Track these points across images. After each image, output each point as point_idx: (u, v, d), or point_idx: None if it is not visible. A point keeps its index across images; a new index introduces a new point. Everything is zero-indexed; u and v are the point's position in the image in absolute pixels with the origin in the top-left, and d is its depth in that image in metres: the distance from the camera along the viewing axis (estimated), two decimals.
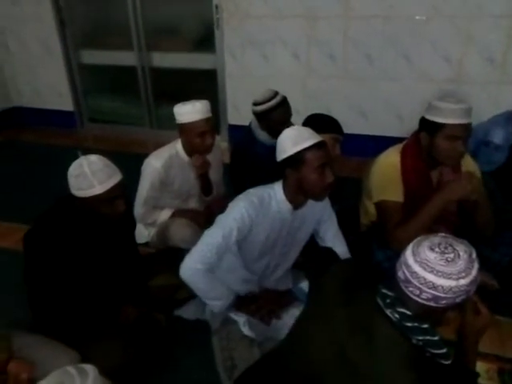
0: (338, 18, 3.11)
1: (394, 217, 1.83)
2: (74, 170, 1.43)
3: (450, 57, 3.00)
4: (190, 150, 2.03)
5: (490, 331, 1.21)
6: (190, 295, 1.77)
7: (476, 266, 0.96)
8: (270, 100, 2.09)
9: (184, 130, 1.97)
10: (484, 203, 1.86)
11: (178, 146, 2.05)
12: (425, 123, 1.80)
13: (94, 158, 1.45)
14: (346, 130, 3.04)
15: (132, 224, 1.81)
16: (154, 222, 2.12)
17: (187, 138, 1.98)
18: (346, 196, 2.25)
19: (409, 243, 1.03)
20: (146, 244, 2.18)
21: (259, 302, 1.68)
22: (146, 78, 3.90)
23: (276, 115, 2.09)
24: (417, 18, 2.95)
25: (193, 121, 1.92)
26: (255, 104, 2.14)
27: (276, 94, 2.12)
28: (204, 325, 1.77)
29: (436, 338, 0.98)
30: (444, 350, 0.99)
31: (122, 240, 1.67)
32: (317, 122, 1.92)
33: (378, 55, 3.13)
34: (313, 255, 1.78)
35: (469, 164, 1.92)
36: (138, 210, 2.04)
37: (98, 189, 1.42)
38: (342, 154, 2.07)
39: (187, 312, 1.85)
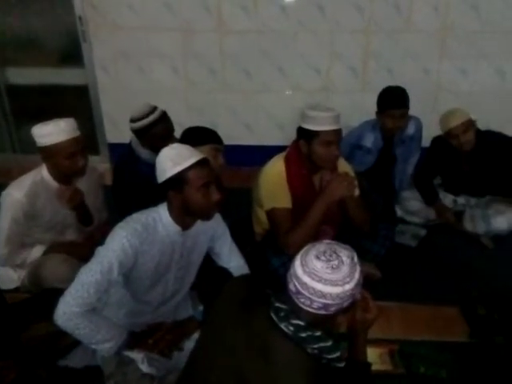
0: (212, 33, 3.11)
1: (284, 223, 1.90)
2: None
3: (319, 68, 3.20)
4: (58, 175, 1.80)
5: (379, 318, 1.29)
6: (75, 340, 1.55)
7: (358, 268, 1.02)
8: (147, 116, 1.97)
9: (49, 154, 1.74)
10: (358, 201, 2.02)
11: (43, 172, 1.81)
12: (301, 131, 1.91)
13: None
14: (233, 141, 3.10)
15: None
16: (23, 263, 1.83)
17: (54, 162, 1.76)
18: (240, 206, 2.23)
19: (301, 247, 1.06)
20: (17, 289, 1.88)
21: (156, 335, 1.53)
22: (3, 96, 3.43)
23: (156, 131, 1.98)
24: (285, 32, 3.09)
25: (58, 142, 1.71)
26: (132, 121, 2.00)
27: (154, 108, 2.01)
28: (96, 371, 1.55)
29: (329, 344, 1.02)
30: (337, 354, 1.03)
31: None
32: (194, 135, 1.86)
33: (255, 68, 3.21)
34: (206, 276, 1.70)
35: (343, 165, 2.07)
36: (1, 250, 1.75)
37: None
38: (232, 166, 2.05)
39: (74, 360, 1.62)
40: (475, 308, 2.01)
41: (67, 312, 1.30)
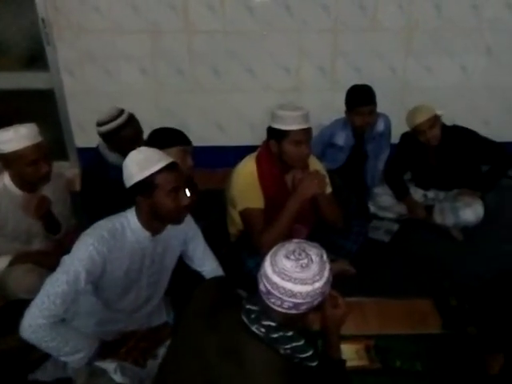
0: (180, 33, 3.07)
1: (258, 223, 1.90)
2: None
3: (289, 68, 3.20)
4: (21, 182, 1.74)
5: (354, 314, 1.28)
6: (46, 353, 1.49)
7: (327, 267, 1.02)
8: (115, 119, 1.93)
9: (10, 161, 1.67)
10: (330, 199, 2.04)
11: (5, 180, 1.74)
12: (271, 131, 1.90)
13: None
14: (205, 142, 3.07)
15: None
16: None
17: (16, 170, 1.70)
18: (215, 208, 2.21)
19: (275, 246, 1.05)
20: None
21: (129, 344, 1.50)
22: None
23: (124, 134, 1.94)
24: (253, 32, 3.07)
25: (19, 149, 1.65)
26: (99, 124, 1.96)
27: (121, 111, 1.97)
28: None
29: (301, 343, 1.02)
30: (310, 353, 1.03)
31: None
32: (161, 137, 1.81)
33: (224, 68, 3.19)
34: (179, 281, 1.67)
35: (314, 163, 2.08)
36: None
37: None
38: (205, 167, 2.02)
39: (44, 373, 1.55)
40: (447, 299, 2.05)
41: (33, 324, 1.25)
